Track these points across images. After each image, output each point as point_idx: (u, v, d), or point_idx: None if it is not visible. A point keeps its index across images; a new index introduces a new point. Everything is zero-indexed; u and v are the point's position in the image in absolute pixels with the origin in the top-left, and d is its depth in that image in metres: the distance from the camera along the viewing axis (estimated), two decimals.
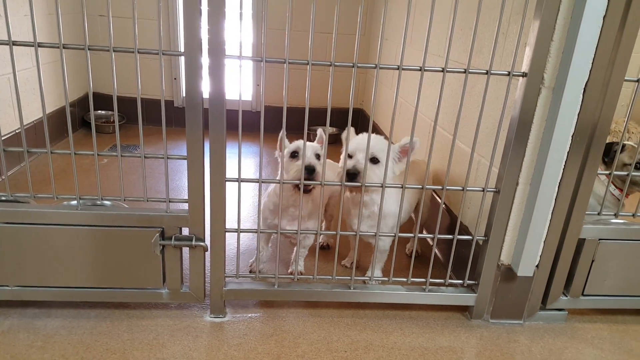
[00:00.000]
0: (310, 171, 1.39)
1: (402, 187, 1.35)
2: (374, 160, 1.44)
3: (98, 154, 1.30)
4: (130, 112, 3.41)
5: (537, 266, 1.42)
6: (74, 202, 1.34)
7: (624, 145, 1.76)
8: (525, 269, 1.39)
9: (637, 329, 1.54)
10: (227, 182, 1.31)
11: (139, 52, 1.20)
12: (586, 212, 1.39)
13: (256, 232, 1.40)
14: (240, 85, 1.23)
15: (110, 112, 3.47)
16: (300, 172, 1.37)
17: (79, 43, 1.20)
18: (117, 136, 1.28)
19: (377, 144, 1.42)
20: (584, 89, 1.24)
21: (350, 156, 1.43)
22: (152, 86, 3.12)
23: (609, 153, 1.67)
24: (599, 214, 1.43)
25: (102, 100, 3.36)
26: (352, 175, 1.38)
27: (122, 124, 3.39)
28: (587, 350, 1.42)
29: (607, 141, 1.35)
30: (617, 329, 1.54)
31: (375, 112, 3.22)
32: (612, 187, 1.83)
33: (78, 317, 1.40)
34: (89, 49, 1.20)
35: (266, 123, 1.24)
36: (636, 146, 1.73)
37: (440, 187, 1.38)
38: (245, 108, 3.52)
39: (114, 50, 1.20)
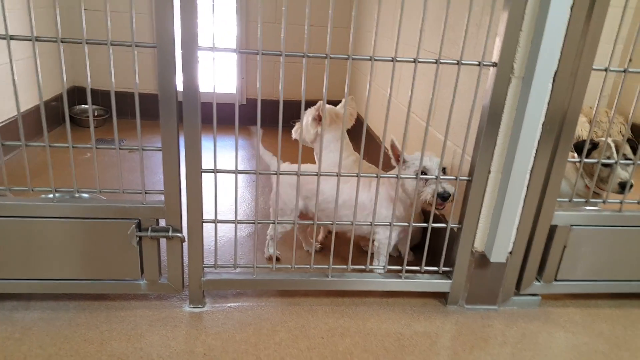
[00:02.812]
0: (444, 198, 1.43)
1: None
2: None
3: (73, 147, 1.30)
4: (115, 106, 3.40)
5: (510, 252, 1.45)
6: (53, 195, 1.35)
7: (598, 143, 1.78)
8: (498, 256, 1.42)
9: (607, 313, 1.58)
10: (204, 173, 1.32)
11: (111, 44, 1.20)
12: (558, 199, 1.42)
13: (234, 222, 1.42)
14: (214, 77, 1.24)
15: (94, 106, 3.45)
16: (433, 198, 1.43)
17: (61, 36, 1.20)
18: (92, 129, 1.28)
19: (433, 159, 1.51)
20: (553, 78, 1.27)
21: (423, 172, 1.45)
22: (141, 80, 3.11)
23: (580, 151, 1.69)
24: (570, 200, 1.46)
25: (86, 95, 3.34)
26: (444, 198, 1.44)
27: (107, 118, 3.37)
28: (559, 334, 1.46)
29: (578, 139, 1.38)
30: (589, 312, 1.58)
31: (362, 103, 3.24)
32: (587, 180, 1.87)
33: (57, 309, 1.41)
34: (61, 42, 1.20)
35: (254, 116, 1.26)
36: (611, 144, 1.76)
37: (414, 176, 1.40)
38: (231, 101, 3.52)
39: (86, 43, 1.20)
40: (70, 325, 1.35)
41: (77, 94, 3.49)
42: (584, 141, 1.64)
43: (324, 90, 1.29)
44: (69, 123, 1.26)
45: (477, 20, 1.50)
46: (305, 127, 1.86)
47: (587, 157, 1.44)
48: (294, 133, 1.97)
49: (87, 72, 1.25)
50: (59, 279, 1.39)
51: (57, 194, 1.33)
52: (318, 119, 1.84)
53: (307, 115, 1.89)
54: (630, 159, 1.74)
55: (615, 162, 1.53)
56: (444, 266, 1.51)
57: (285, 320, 1.43)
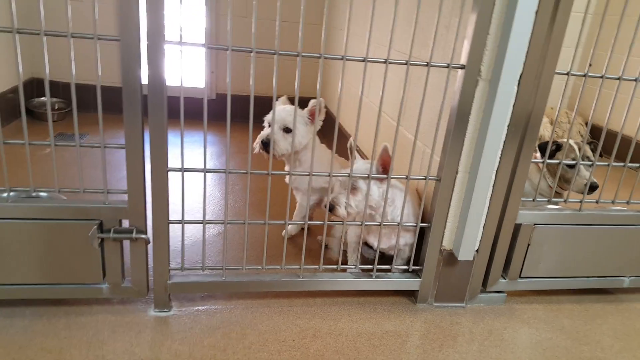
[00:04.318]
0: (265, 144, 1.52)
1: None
2: (287, 130, 1.68)
3: (30, 143, 1.23)
4: (78, 99, 3.26)
5: (477, 251, 1.48)
6: (7, 195, 1.27)
7: (561, 144, 1.85)
8: (465, 254, 1.45)
9: (569, 308, 1.64)
10: (171, 172, 1.28)
11: (72, 37, 1.15)
12: (522, 199, 1.46)
13: (202, 223, 1.38)
14: (181, 71, 1.21)
15: (54, 99, 3.28)
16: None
17: (33, 27, 1.13)
18: (50, 124, 1.22)
19: (290, 114, 1.50)
20: (519, 81, 1.30)
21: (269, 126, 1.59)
22: (106, 71, 2.98)
23: (544, 152, 1.75)
24: (533, 200, 1.51)
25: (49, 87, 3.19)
26: (265, 143, 1.63)
27: (69, 112, 3.21)
28: (523, 330, 1.50)
29: (542, 140, 1.43)
30: (552, 308, 1.63)
31: (333, 104, 3.24)
32: (550, 180, 1.94)
33: (11, 316, 1.33)
34: (17, 32, 1.13)
35: (224, 111, 1.22)
36: (573, 145, 1.83)
37: (384, 176, 1.40)
38: (200, 96, 3.45)
39: (45, 34, 1.14)
40: (26, 333, 1.27)
41: (36, 86, 3.31)
42: (547, 142, 1.70)
43: (296, 87, 1.27)
44: (25, 117, 1.19)
45: (446, 21, 1.52)
46: (302, 135, 1.73)
47: (550, 158, 1.49)
48: (281, 148, 1.71)
49: (46, 64, 1.19)
50: (14, 283, 1.31)
51: (12, 194, 1.25)
52: (310, 120, 1.74)
53: (300, 124, 1.72)
54: (591, 160, 1.82)
55: (577, 163, 1.59)
56: (413, 265, 1.52)
57: (256, 323, 1.40)
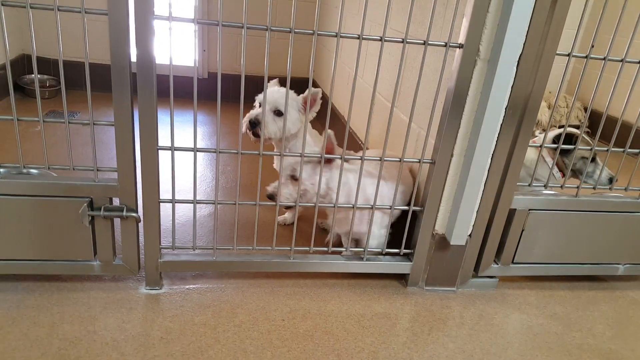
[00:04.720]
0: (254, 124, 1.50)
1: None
2: (278, 113, 1.63)
3: (18, 119, 1.22)
4: (70, 77, 3.25)
5: (469, 235, 1.47)
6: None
7: (576, 137, 1.80)
8: (458, 238, 1.44)
9: (561, 295, 1.63)
10: (161, 151, 1.27)
11: (59, 10, 1.12)
12: (517, 184, 1.44)
13: (192, 202, 1.37)
14: (170, 47, 1.18)
15: (46, 77, 3.26)
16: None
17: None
18: (39, 100, 1.20)
19: (283, 96, 1.49)
20: (518, 61, 1.26)
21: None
22: (96, 49, 2.95)
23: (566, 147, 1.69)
24: (529, 185, 1.49)
25: (38, 64, 3.16)
26: (253, 123, 1.60)
27: (60, 89, 3.20)
28: (514, 316, 1.50)
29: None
30: (544, 294, 1.63)
31: (327, 84, 3.20)
32: (555, 170, 1.89)
33: (4, 290, 1.34)
34: (2, 5, 1.11)
35: (215, 90, 1.20)
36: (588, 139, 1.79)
37: (378, 158, 1.38)
38: (192, 74, 3.42)
39: (31, 7, 1.12)
40: (18, 308, 1.29)
41: (27, 63, 3.29)
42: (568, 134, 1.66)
43: (288, 66, 1.25)
44: (15, 94, 1.18)
45: None
46: (293, 121, 1.68)
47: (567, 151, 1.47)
48: (270, 131, 1.66)
49: (32, 39, 1.17)
50: (6, 259, 1.31)
51: (1, 170, 1.25)
52: (303, 108, 1.69)
53: (292, 109, 1.68)
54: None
55: (574, 148, 1.56)
56: (405, 248, 1.52)
57: (246, 303, 1.41)
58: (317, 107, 1.64)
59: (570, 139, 1.71)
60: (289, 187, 1.44)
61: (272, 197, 1.44)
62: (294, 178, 1.44)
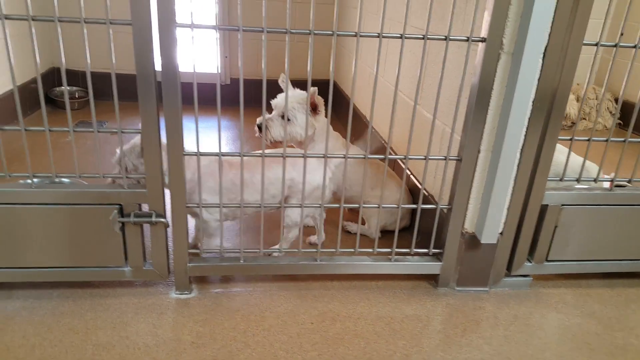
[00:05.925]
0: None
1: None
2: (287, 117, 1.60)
3: (50, 130, 1.26)
4: (98, 88, 3.34)
5: (500, 233, 1.43)
6: (31, 181, 1.31)
7: None
8: (488, 236, 1.40)
9: (599, 293, 1.57)
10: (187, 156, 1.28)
11: (85, 22, 1.16)
12: (548, 179, 1.40)
13: (219, 206, 1.38)
14: (193, 55, 1.20)
15: (75, 88, 3.36)
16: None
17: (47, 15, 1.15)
18: (69, 111, 1.24)
19: (291, 101, 1.59)
20: (543, 53, 1.23)
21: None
22: (122, 60, 3.03)
23: None
24: (561, 179, 1.44)
25: (68, 76, 3.26)
26: (261, 128, 1.61)
27: (89, 100, 3.31)
28: (551, 315, 1.45)
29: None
30: (581, 293, 1.56)
31: (347, 85, 3.19)
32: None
33: (40, 298, 1.38)
34: (32, 20, 1.15)
35: (238, 96, 1.22)
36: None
37: (402, 156, 1.37)
38: (215, 81, 3.47)
39: (59, 21, 1.16)
40: (53, 314, 1.32)
41: (57, 75, 3.41)
42: None
43: (309, 69, 1.25)
44: (46, 106, 1.22)
45: None
46: (302, 125, 1.68)
47: None
48: (273, 135, 1.70)
49: (61, 52, 1.21)
50: (41, 267, 1.35)
51: (35, 180, 1.29)
52: (313, 110, 1.71)
53: (299, 113, 1.69)
54: None
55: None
56: (434, 248, 1.49)
57: (274, 306, 1.41)
58: (320, 108, 1.66)
59: None
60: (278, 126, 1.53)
61: (260, 127, 1.51)
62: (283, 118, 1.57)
